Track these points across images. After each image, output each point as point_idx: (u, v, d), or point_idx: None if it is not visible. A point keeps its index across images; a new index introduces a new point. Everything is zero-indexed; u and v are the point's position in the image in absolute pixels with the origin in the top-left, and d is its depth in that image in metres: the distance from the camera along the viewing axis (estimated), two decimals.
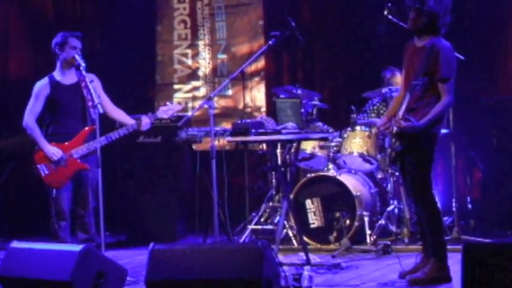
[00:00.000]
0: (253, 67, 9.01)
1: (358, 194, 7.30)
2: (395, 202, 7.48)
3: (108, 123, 6.96)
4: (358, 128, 7.47)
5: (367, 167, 7.59)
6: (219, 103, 9.26)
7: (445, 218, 7.44)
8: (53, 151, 6.63)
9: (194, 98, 9.54)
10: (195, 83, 9.60)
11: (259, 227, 7.66)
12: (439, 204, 5.97)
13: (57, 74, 6.79)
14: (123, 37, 9.48)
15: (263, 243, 4.80)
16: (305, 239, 7.04)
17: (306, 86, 8.12)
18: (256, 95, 9.27)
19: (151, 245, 4.94)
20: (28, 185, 8.29)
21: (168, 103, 7.08)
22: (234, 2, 9.41)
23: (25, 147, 7.19)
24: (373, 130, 7.36)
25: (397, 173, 7.28)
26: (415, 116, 5.50)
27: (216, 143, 6.94)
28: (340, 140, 7.53)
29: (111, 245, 7.45)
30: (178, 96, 9.62)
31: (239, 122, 6.72)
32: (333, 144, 7.59)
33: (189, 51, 9.61)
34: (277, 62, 9.28)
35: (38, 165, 6.66)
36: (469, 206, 7.97)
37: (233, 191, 8.20)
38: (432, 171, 5.73)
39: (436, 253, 5.60)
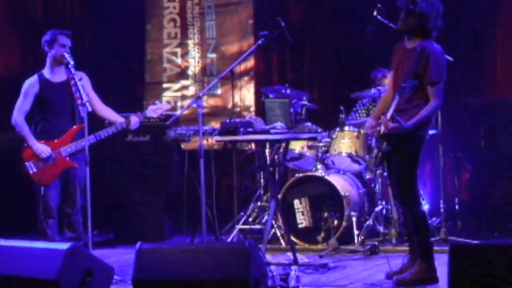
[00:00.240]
0: (242, 67, 9.02)
1: (346, 194, 7.31)
2: (384, 203, 7.49)
3: (97, 122, 6.95)
4: (346, 128, 7.48)
5: (356, 167, 7.60)
6: (208, 102, 9.26)
7: (433, 219, 7.46)
8: (42, 149, 6.61)
9: (183, 97, 9.54)
10: (184, 82, 9.59)
11: (247, 226, 7.66)
12: (426, 206, 5.98)
13: (46, 72, 6.77)
14: (113, 35, 9.46)
15: (250, 243, 4.80)
16: (293, 238, 7.04)
17: (295, 86, 8.12)
18: (246, 95, 9.27)
19: (138, 244, 4.93)
20: (16, 182, 8.25)
21: (157, 102, 7.07)
22: (224, 1, 9.41)
23: (13, 145, 7.16)
24: (362, 131, 7.36)
25: (385, 174, 7.29)
26: (403, 117, 5.51)
27: (205, 142, 6.94)
28: (329, 140, 7.54)
29: (99, 244, 7.43)
30: (167, 95, 9.61)
31: (228, 121, 6.71)
32: (321, 144, 7.59)
33: (178, 50, 9.61)
34: (266, 62, 9.29)
35: (26, 163, 6.64)
36: (457, 207, 7.99)
37: (221, 190, 8.21)
38: (420, 172, 5.76)
39: (422, 254, 5.62)
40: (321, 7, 8.98)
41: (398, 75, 5.67)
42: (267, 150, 7.55)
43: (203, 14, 9.47)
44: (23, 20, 9.52)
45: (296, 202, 7.47)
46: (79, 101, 6.19)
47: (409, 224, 5.76)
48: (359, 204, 7.50)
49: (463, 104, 7.95)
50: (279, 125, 6.76)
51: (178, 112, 8.27)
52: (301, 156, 7.67)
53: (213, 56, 9.46)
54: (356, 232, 7.25)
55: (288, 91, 7.63)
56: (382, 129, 5.57)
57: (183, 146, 8.08)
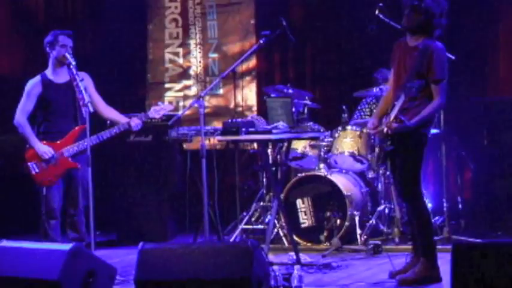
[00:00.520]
0: (244, 66, 9.01)
1: (349, 193, 7.30)
2: (386, 202, 7.49)
3: (99, 122, 6.95)
4: (349, 127, 7.47)
5: (358, 166, 7.58)
6: (210, 102, 9.26)
7: (436, 218, 7.45)
8: (44, 149, 6.62)
9: (185, 97, 9.52)
10: (186, 82, 9.58)
11: (250, 226, 7.64)
12: (429, 205, 5.97)
13: (49, 73, 6.78)
14: (115, 35, 9.46)
15: (253, 243, 4.80)
16: (295, 238, 7.04)
17: (297, 85, 8.11)
18: (248, 94, 9.26)
19: (140, 244, 4.93)
20: (18, 183, 8.25)
21: (159, 103, 7.07)
22: (226, 1, 9.39)
23: (15, 145, 7.16)
24: (365, 130, 7.35)
25: (388, 173, 7.29)
26: (407, 116, 5.50)
27: (207, 142, 6.93)
28: (331, 139, 7.53)
29: (102, 244, 7.43)
30: (169, 95, 9.60)
31: (230, 121, 6.70)
32: (324, 143, 7.59)
33: (180, 50, 9.60)
34: (268, 61, 9.28)
35: (29, 163, 6.65)
36: (460, 206, 7.97)
37: (224, 190, 8.19)
38: (423, 171, 5.74)
39: (425, 253, 5.61)
40: (322, 6, 8.97)
41: (401, 74, 5.66)
42: (269, 150, 7.54)
43: (205, 13, 9.46)
44: (25, 21, 9.51)
45: (299, 202, 7.46)
46: (81, 102, 6.19)
47: (413, 222, 5.75)
48: (362, 203, 7.49)
49: (465, 102, 7.93)
50: (281, 124, 6.75)
51: (180, 112, 8.25)
52: (303, 155, 7.66)
53: (214, 55, 9.45)
54: (359, 231, 7.25)
55: (290, 90, 7.63)
56: (385, 128, 5.56)
57: (185, 146, 8.09)
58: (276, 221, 7.21)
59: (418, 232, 5.68)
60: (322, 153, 7.62)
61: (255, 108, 9.17)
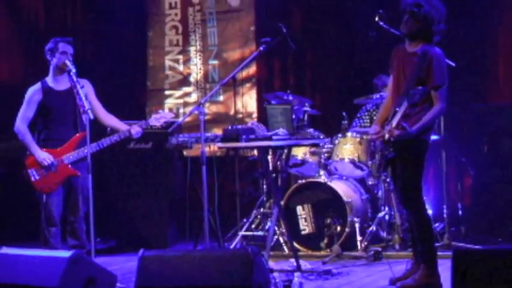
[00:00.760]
0: (244, 73, 9.02)
1: (349, 200, 7.30)
2: (387, 208, 7.48)
3: (99, 129, 6.95)
4: (349, 134, 7.47)
5: (358, 173, 7.58)
6: (210, 109, 9.26)
7: (436, 224, 7.44)
8: (44, 156, 6.62)
9: (185, 104, 9.53)
10: (186, 89, 9.59)
11: (250, 233, 7.64)
12: (429, 211, 5.97)
13: (49, 80, 6.78)
14: (115, 43, 9.47)
15: (253, 250, 4.79)
16: (296, 245, 7.04)
17: (297, 92, 8.12)
18: (248, 101, 9.27)
19: (141, 251, 4.92)
20: (18, 190, 8.26)
21: (160, 111, 7.08)
22: (226, 8, 9.41)
23: (16, 153, 7.17)
24: (365, 136, 7.35)
25: (388, 179, 7.29)
26: (408, 122, 5.50)
27: (207, 149, 6.93)
28: (331, 146, 7.53)
29: (102, 251, 7.43)
30: (169, 102, 9.61)
31: (230, 128, 6.70)
32: (324, 150, 7.58)
33: (180, 57, 9.61)
34: (268, 68, 9.29)
35: (29, 170, 6.65)
36: (460, 212, 7.97)
37: (224, 197, 8.18)
38: (423, 177, 5.74)
39: (426, 260, 5.61)
40: (322, 13, 8.98)
41: (400, 80, 5.66)
42: (270, 157, 7.54)
43: (205, 20, 9.47)
44: (25, 27, 9.53)
45: (299, 208, 7.46)
46: (81, 109, 6.19)
47: (413, 229, 5.75)
48: (362, 210, 7.48)
49: (465, 109, 7.94)
50: (281, 131, 6.75)
51: (180, 119, 8.25)
52: (303, 162, 7.66)
53: (214, 62, 9.46)
54: (359, 238, 7.24)
55: (290, 97, 7.63)
56: (387, 135, 5.55)
57: (185, 153, 8.09)
58: (276, 228, 7.20)
59: (419, 238, 5.68)
60: (322, 160, 7.62)
61: (255, 115, 9.17)
